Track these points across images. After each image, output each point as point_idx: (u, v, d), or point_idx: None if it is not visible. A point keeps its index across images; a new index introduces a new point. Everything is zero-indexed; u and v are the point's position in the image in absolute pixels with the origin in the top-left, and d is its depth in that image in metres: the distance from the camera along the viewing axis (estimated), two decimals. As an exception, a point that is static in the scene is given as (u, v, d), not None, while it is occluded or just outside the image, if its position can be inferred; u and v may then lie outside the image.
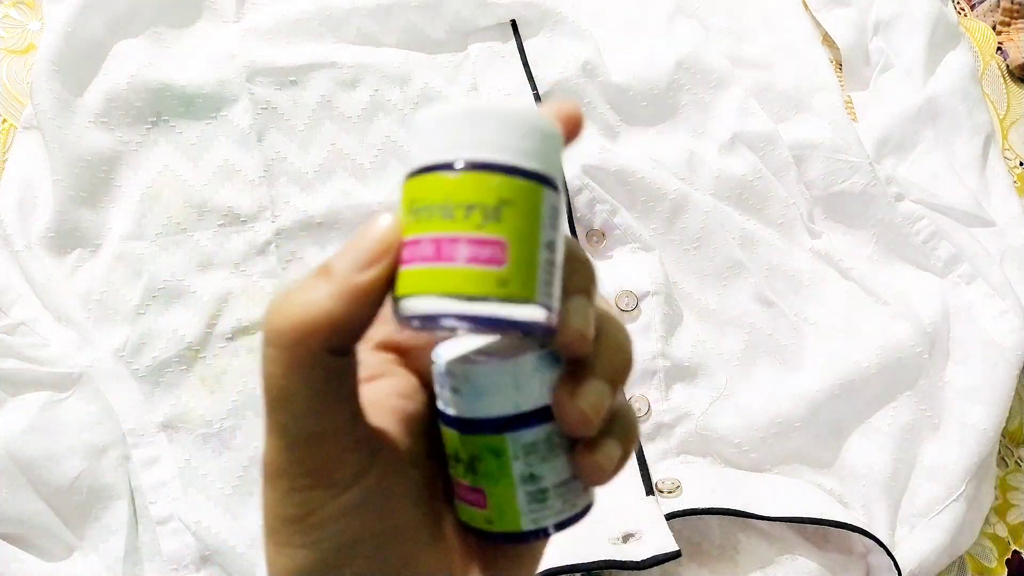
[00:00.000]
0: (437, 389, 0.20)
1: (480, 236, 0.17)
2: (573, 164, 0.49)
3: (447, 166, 0.17)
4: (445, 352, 0.20)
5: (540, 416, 0.19)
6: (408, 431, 0.20)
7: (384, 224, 0.17)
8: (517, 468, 0.19)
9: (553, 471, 0.19)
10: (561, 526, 0.20)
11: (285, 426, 0.17)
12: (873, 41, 0.58)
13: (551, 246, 0.18)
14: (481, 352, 0.20)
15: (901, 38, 0.57)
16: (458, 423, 0.19)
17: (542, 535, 0.20)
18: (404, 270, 0.17)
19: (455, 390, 0.19)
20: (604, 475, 0.19)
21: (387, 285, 0.17)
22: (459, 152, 0.17)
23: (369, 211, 0.48)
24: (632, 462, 0.43)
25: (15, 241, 0.44)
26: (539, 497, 0.19)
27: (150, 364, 0.43)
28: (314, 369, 0.17)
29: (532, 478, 0.19)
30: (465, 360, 0.19)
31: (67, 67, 0.47)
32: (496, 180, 0.17)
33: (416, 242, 0.17)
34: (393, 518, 0.19)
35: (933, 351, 0.48)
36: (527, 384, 0.19)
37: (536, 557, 0.22)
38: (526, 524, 0.19)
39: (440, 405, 0.20)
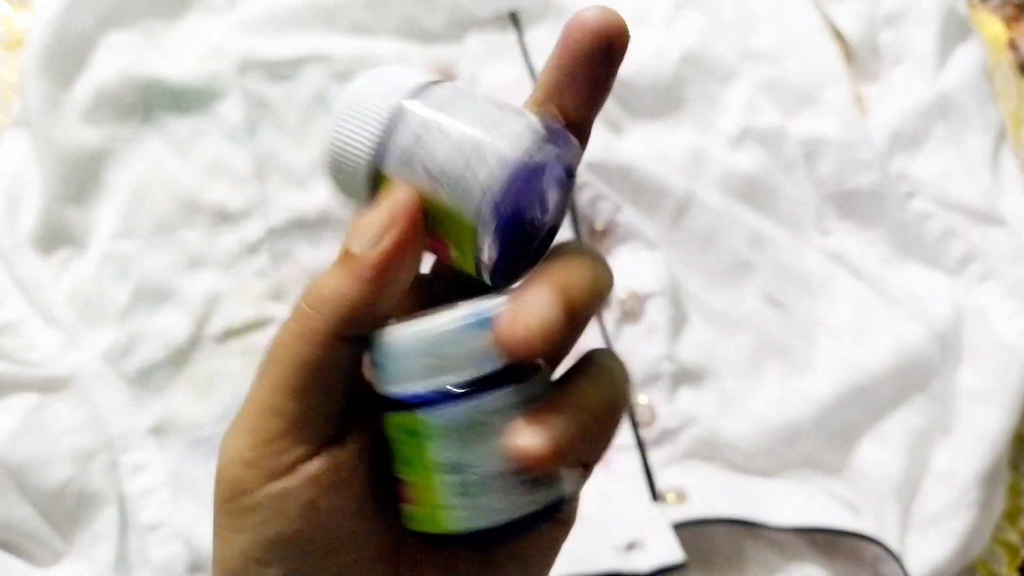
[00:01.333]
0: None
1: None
2: (575, 160, 0.48)
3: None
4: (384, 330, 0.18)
5: (462, 393, 0.16)
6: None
7: (391, 195, 0.17)
8: (434, 453, 0.16)
9: (481, 459, 0.16)
10: (510, 529, 0.16)
11: (257, 393, 0.17)
12: (882, 34, 0.57)
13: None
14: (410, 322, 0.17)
15: (911, 31, 0.57)
16: (381, 403, 0.17)
17: (477, 539, 0.17)
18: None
19: (376, 364, 0.17)
20: (539, 462, 0.15)
21: (402, 256, 0.17)
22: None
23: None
24: (636, 467, 0.43)
25: (2, 240, 0.44)
26: (468, 491, 0.16)
27: (138, 366, 0.42)
28: (316, 347, 0.17)
29: (457, 467, 0.16)
30: (387, 329, 0.17)
31: (56, 62, 0.47)
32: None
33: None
34: (331, 521, 0.17)
35: (945, 353, 0.47)
36: (446, 353, 0.16)
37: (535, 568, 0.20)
38: (452, 523, 0.16)
39: (376, 385, 0.18)
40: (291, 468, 0.17)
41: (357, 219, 0.17)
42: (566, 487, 0.17)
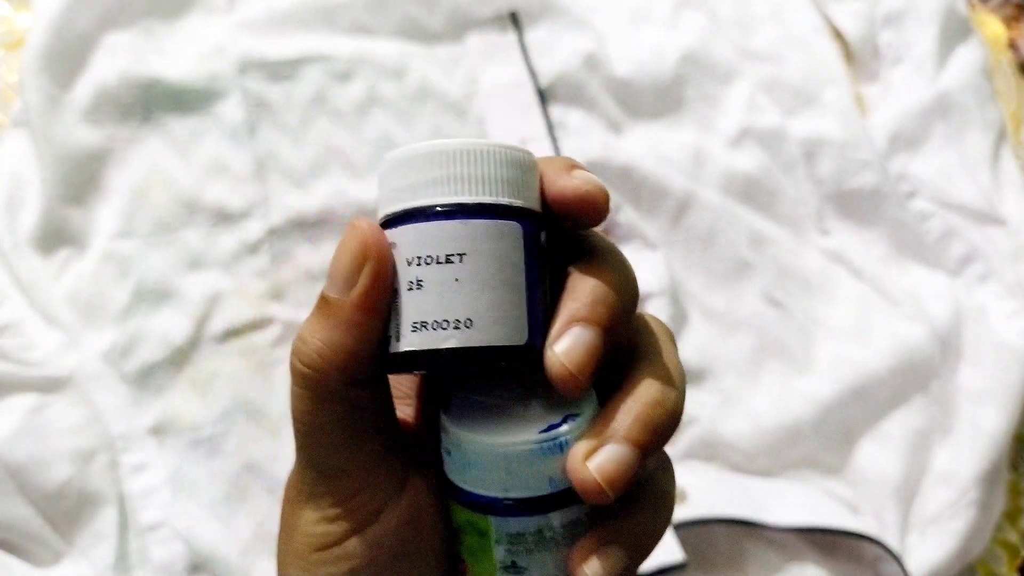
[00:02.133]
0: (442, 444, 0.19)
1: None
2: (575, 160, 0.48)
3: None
4: (453, 407, 0.18)
5: (533, 507, 0.17)
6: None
7: (356, 230, 0.17)
8: (499, 554, 0.17)
9: (541, 566, 0.17)
10: None
11: (313, 459, 0.18)
12: (882, 34, 0.57)
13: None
14: (482, 418, 0.18)
15: (911, 31, 0.57)
16: (450, 488, 0.18)
17: None
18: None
19: (448, 451, 0.18)
20: None
21: (378, 294, 0.17)
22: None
23: (364, 210, 0.47)
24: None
25: (2, 240, 0.43)
26: None
27: (139, 367, 0.42)
28: (337, 404, 0.17)
29: (515, 568, 0.17)
30: (463, 424, 0.18)
31: (56, 62, 0.46)
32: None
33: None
34: (416, 558, 0.18)
35: (945, 353, 0.47)
36: (520, 471, 0.17)
37: None
38: None
39: (444, 463, 0.18)
40: (362, 527, 0.17)
41: (331, 266, 0.17)
42: None
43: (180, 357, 0.43)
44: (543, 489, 0.17)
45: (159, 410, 0.42)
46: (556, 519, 0.17)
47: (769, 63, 0.55)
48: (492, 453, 0.17)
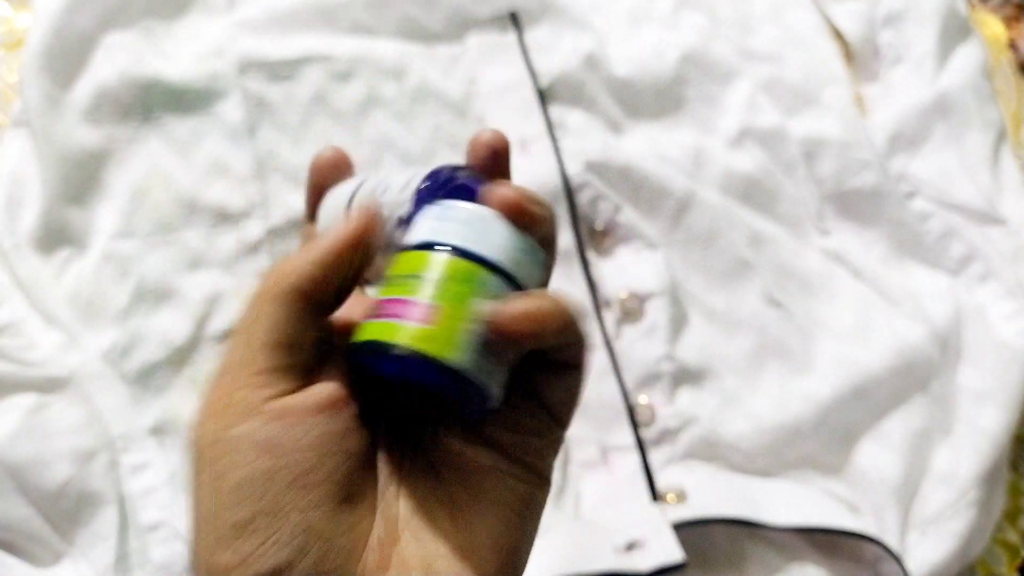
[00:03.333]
0: (416, 219, 0.22)
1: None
2: (576, 160, 0.48)
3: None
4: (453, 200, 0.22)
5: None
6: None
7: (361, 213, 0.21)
8: (475, 303, 0.20)
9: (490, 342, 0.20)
10: (470, 387, 0.20)
11: (265, 340, 0.20)
12: (882, 34, 0.57)
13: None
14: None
15: (911, 31, 0.57)
16: (438, 246, 0.21)
17: (452, 378, 0.19)
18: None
19: (463, 222, 0.21)
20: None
21: (359, 245, 0.21)
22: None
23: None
24: (637, 468, 0.43)
25: (3, 240, 0.44)
26: (474, 339, 0.19)
27: (139, 367, 0.42)
28: (299, 315, 0.20)
29: (477, 318, 0.20)
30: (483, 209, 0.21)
31: (56, 62, 0.46)
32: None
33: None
34: (292, 457, 0.19)
35: (945, 353, 0.47)
36: (523, 259, 0.21)
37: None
38: (464, 362, 0.19)
39: (420, 232, 0.21)
40: (251, 413, 0.19)
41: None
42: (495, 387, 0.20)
43: (180, 357, 0.43)
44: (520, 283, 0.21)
45: (159, 410, 0.42)
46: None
47: (769, 63, 0.55)
48: (515, 235, 0.21)
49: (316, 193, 0.26)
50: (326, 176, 0.26)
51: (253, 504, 0.18)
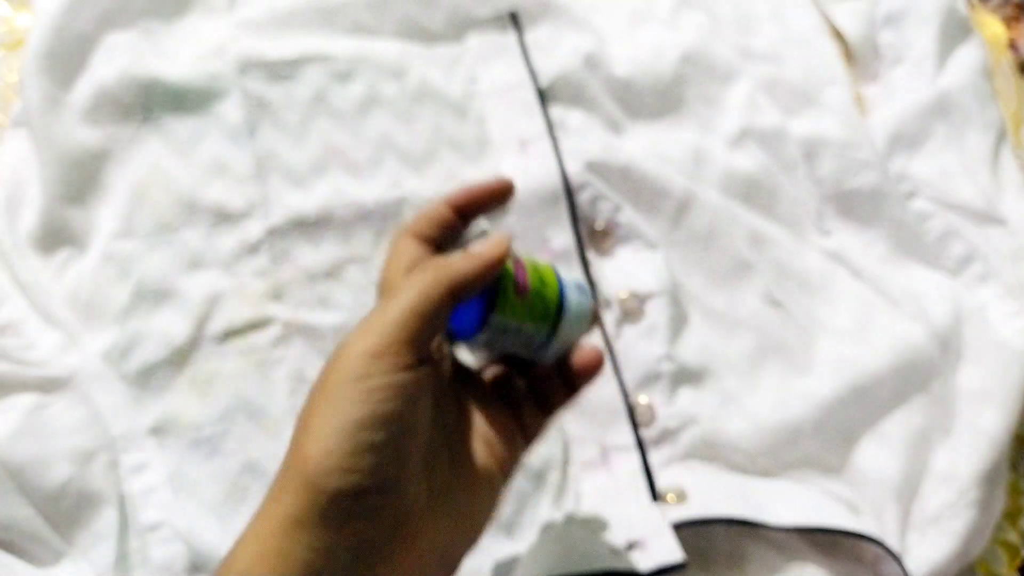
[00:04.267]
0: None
1: None
2: (576, 160, 0.48)
3: None
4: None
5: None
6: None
7: (499, 239, 0.28)
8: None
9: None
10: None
11: (405, 309, 0.25)
12: (882, 34, 0.57)
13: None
14: None
15: (911, 31, 0.57)
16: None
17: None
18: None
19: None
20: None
21: (499, 264, 0.27)
22: None
23: (363, 210, 0.47)
24: (637, 467, 0.43)
25: (2, 240, 0.44)
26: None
27: (139, 367, 0.42)
28: (442, 299, 0.26)
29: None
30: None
31: (56, 62, 0.46)
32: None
33: None
34: (421, 409, 0.25)
35: (945, 353, 0.47)
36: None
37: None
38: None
39: None
40: (405, 367, 0.24)
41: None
42: None
43: (180, 357, 0.43)
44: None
45: (159, 410, 0.42)
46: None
47: (769, 63, 0.55)
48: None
49: (473, 203, 0.30)
50: (490, 202, 0.31)
51: (386, 432, 0.23)
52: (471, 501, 0.27)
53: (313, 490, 0.22)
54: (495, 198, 0.30)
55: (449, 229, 0.29)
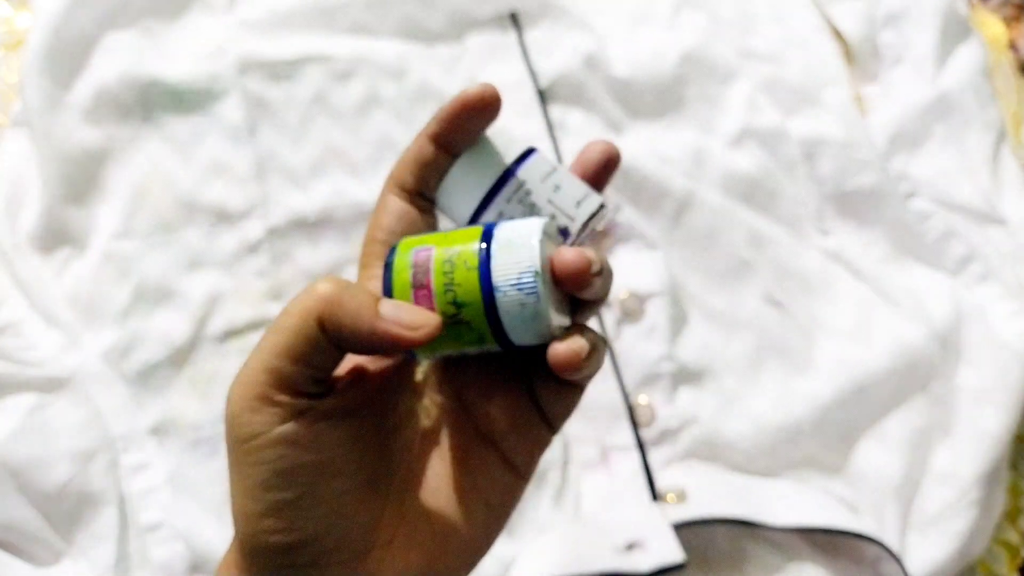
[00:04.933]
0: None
1: None
2: (575, 160, 0.48)
3: None
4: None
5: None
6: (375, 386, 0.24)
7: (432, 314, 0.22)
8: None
9: None
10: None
11: (279, 350, 0.21)
12: (882, 34, 0.57)
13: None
14: None
15: (911, 31, 0.57)
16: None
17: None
18: None
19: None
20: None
21: (410, 344, 0.21)
22: None
23: (363, 210, 0.47)
24: (637, 468, 0.43)
25: (3, 240, 0.44)
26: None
27: (139, 367, 0.42)
28: (320, 336, 0.21)
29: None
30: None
31: (56, 62, 0.46)
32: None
33: None
34: (329, 454, 0.21)
35: (945, 353, 0.47)
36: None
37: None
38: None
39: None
40: (293, 415, 0.21)
41: (408, 306, 0.22)
42: None
43: (180, 357, 0.43)
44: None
45: (159, 410, 0.42)
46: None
47: (769, 63, 0.54)
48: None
49: (453, 128, 0.24)
50: (472, 119, 0.24)
51: (294, 489, 0.21)
52: (456, 517, 0.23)
53: (248, 551, 0.21)
54: (480, 113, 0.24)
55: (436, 169, 0.25)
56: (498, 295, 0.21)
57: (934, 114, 0.54)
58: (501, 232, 0.22)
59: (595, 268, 0.22)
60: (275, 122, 0.48)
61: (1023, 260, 0.51)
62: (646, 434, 0.44)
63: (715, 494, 0.41)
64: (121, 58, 0.47)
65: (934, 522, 0.44)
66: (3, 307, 0.43)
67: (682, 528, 0.39)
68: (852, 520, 0.42)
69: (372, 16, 0.52)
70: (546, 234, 0.22)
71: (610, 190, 0.49)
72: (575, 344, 0.21)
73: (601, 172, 0.25)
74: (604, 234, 0.48)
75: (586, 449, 0.44)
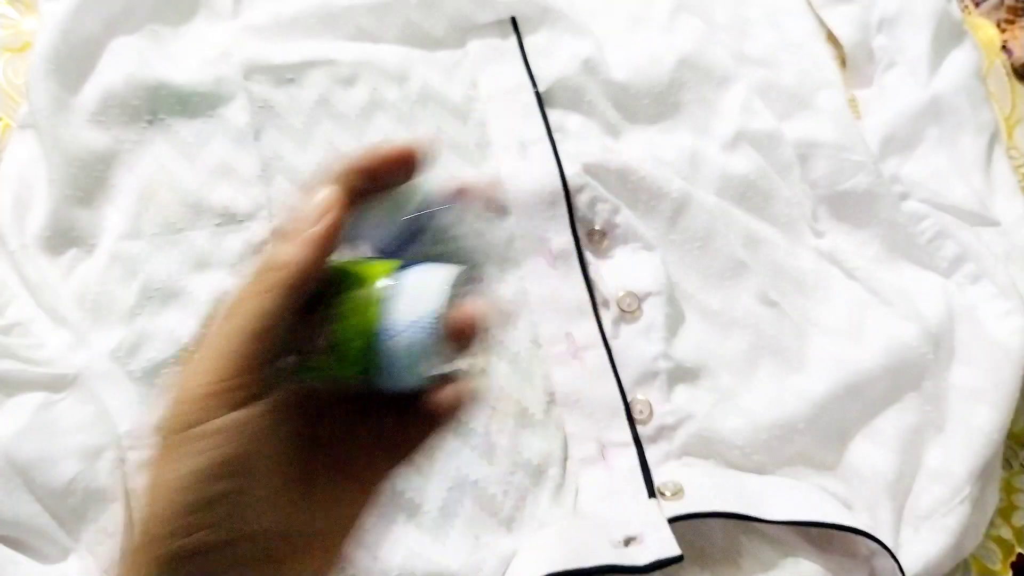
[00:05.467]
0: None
1: None
2: (574, 163, 0.49)
3: None
4: None
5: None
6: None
7: (327, 191, 0.23)
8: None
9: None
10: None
11: (235, 332, 0.21)
12: (877, 38, 0.58)
13: None
14: None
15: (905, 35, 0.57)
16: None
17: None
18: None
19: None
20: None
21: (336, 231, 0.22)
22: None
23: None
24: (634, 464, 0.43)
25: (10, 241, 0.44)
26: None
27: (146, 366, 0.42)
28: (283, 302, 0.21)
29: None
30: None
31: (63, 65, 0.47)
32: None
33: None
34: (269, 448, 0.21)
35: (938, 352, 0.48)
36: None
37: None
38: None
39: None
40: (243, 403, 0.20)
41: (301, 207, 0.23)
42: None
43: (187, 356, 0.43)
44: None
45: (165, 408, 0.42)
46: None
47: (764, 67, 0.55)
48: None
49: (360, 177, 0.24)
50: (384, 171, 0.24)
51: (206, 489, 0.20)
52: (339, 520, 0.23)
53: (155, 559, 0.20)
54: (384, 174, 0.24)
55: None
56: (392, 335, 0.21)
57: (928, 117, 0.55)
58: (412, 274, 0.22)
59: (481, 328, 0.22)
60: (280, 125, 0.49)
61: (1016, 260, 0.51)
62: (643, 431, 0.44)
63: (711, 490, 0.41)
64: (127, 61, 0.48)
65: (927, 518, 0.44)
66: (11, 306, 0.43)
67: (679, 523, 0.40)
68: (847, 516, 0.42)
69: (375, 21, 0.52)
70: (454, 284, 0.22)
71: (608, 192, 0.49)
72: (460, 387, 0.23)
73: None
74: (602, 235, 0.49)
75: (584, 446, 0.44)
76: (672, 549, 0.38)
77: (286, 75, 0.50)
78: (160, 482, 0.20)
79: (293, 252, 0.22)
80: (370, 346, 0.21)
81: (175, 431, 0.20)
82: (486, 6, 0.53)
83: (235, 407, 0.20)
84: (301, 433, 0.22)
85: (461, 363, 0.23)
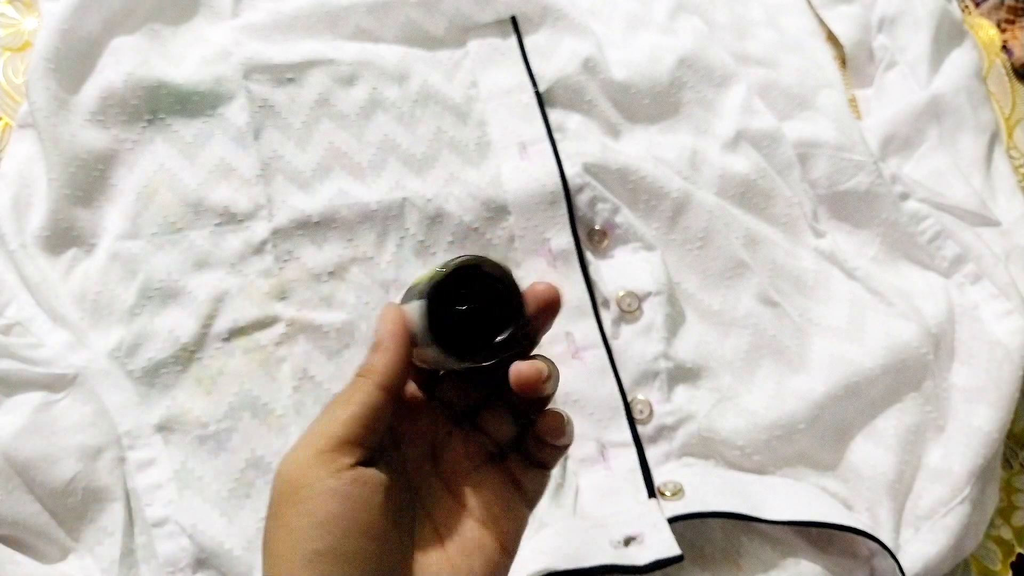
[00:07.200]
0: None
1: None
2: (574, 162, 0.49)
3: None
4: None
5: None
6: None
7: (392, 323, 0.27)
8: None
9: None
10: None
11: (339, 418, 0.25)
12: (877, 38, 0.58)
13: None
14: None
15: (905, 35, 0.57)
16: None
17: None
18: None
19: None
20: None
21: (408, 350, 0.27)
22: None
23: (366, 211, 0.47)
24: (634, 464, 0.43)
25: (10, 240, 0.44)
26: None
27: (145, 365, 0.42)
28: (380, 397, 0.26)
29: None
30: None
31: (63, 65, 0.47)
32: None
33: None
34: (363, 511, 0.25)
35: (938, 352, 0.48)
36: None
37: None
38: None
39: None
40: (338, 472, 0.24)
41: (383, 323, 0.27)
42: None
43: (186, 355, 0.43)
44: None
45: (165, 408, 0.42)
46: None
47: (765, 67, 0.55)
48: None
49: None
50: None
51: (332, 540, 0.24)
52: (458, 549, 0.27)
53: None
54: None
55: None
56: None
57: (928, 117, 0.55)
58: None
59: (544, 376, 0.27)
60: (280, 125, 0.49)
61: (1016, 260, 0.52)
62: (643, 431, 0.44)
63: (711, 490, 0.42)
64: (127, 61, 0.48)
65: (927, 518, 0.45)
66: (10, 306, 0.43)
67: (679, 523, 0.40)
68: (847, 516, 0.42)
69: (375, 21, 0.52)
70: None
71: (608, 192, 0.49)
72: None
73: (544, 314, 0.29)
74: (603, 235, 0.49)
75: (584, 445, 0.44)
76: (672, 549, 0.38)
77: (286, 75, 0.50)
78: (274, 538, 0.24)
79: (384, 361, 0.26)
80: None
81: (285, 495, 0.24)
82: (486, 6, 0.53)
83: (338, 472, 0.24)
84: (396, 503, 0.26)
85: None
